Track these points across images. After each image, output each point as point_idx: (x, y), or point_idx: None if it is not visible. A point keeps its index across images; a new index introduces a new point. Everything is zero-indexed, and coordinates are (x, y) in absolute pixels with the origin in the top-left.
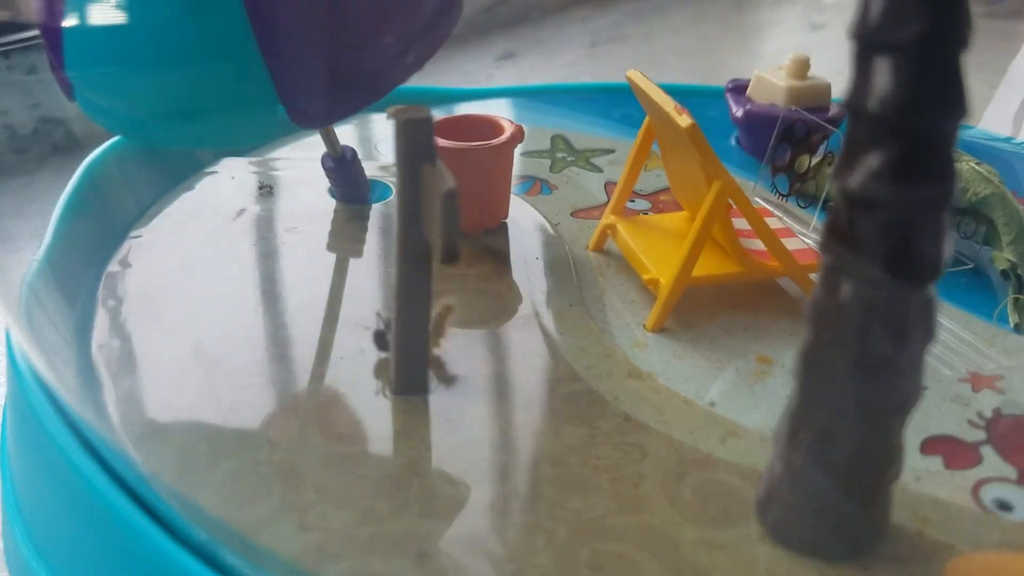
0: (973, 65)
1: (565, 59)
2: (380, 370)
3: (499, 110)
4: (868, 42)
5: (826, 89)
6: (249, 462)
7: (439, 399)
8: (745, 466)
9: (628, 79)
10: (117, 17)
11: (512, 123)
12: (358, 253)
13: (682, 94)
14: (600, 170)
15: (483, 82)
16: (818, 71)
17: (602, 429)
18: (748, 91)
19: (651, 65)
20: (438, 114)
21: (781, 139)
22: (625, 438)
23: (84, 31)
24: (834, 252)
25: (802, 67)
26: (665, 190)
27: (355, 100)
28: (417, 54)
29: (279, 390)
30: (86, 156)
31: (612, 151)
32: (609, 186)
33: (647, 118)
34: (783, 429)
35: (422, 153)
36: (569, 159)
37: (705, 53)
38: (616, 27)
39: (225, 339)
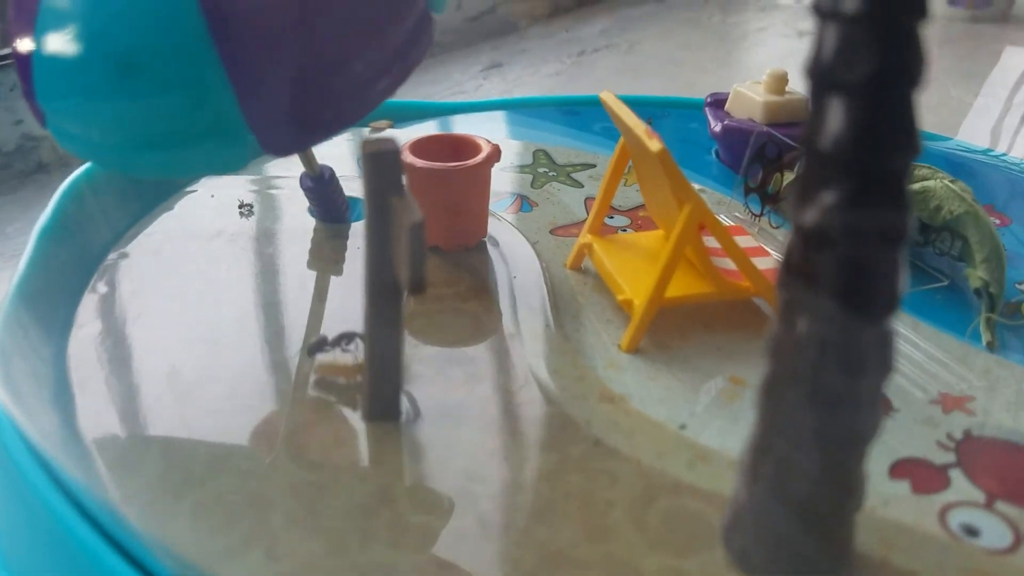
0: (957, 73)
1: (551, 68)
2: (353, 396)
3: (483, 123)
4: (822, 81)
5: (803, 104)
6: (220, 490)
7: (411, 425)
8: (712, 491)
9: (601, 100)
10: (82, 48)
11: (489, 142)
12: (338, 272)
13: (665, 106)
14: (581, 185)
15: (471, 92)
16: (800, 82)
17: (572, 455)
18: (727, 106)
19: (636, 74)
20: (417, 133)
21: (753, 159)
22: (594, 464)
23: (51, 61)
24: (790, 288)
25: (780, 82)
26: (644, 206)
27: (325, 128)
28: (388, 82)
29: (252, 416)
30: (69, 174)
31: (593, 166)
32: (589, 202)
33: (622, 138)
34: (747, 459)
35: (389, 185)
36: (551, 174)
37: (690, 61)
38: (603, 36)
39: (202, 364)
